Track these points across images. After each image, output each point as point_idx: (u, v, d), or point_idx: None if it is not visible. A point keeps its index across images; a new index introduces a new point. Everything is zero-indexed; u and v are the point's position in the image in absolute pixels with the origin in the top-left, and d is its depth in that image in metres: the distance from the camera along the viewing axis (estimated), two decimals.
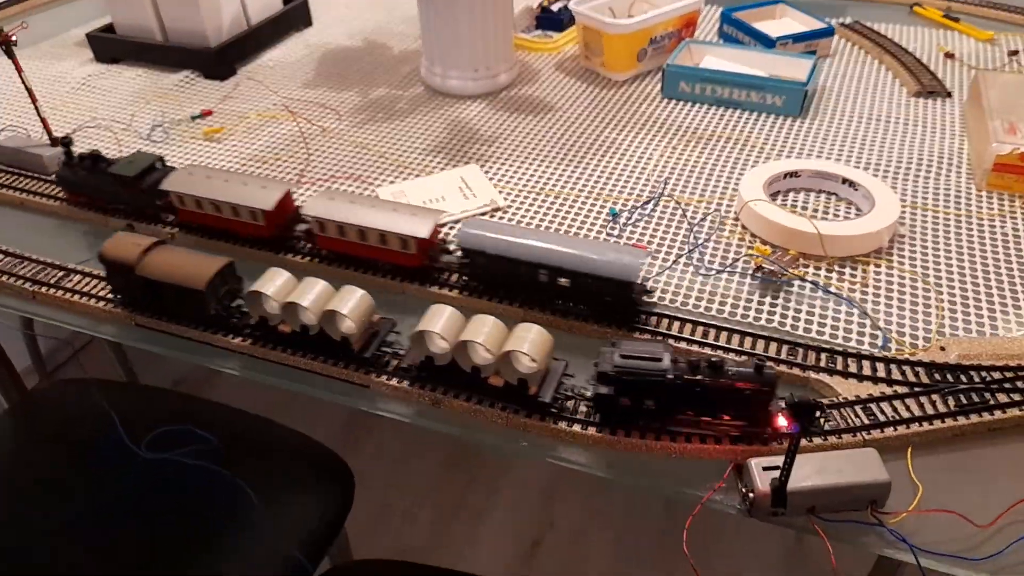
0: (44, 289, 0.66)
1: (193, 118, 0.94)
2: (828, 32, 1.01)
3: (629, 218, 0.73)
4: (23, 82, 0.79)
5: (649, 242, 0.70)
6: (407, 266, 0.65)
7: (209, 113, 0.94)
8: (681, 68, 0.93)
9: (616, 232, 0.72)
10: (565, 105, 0.94)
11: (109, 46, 1.07)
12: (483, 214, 0.75)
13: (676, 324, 0.59)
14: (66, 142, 0.76)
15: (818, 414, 0.49)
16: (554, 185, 0.79)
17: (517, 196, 0.77)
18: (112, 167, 0.73)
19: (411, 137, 0.88)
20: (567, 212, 0.75)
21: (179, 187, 0.70)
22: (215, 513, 0.75)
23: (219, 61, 1.02)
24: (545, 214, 0.75)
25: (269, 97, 0.98)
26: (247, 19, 1.08)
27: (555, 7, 1.12)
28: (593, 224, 0.73)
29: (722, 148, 0.84)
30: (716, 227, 0.71)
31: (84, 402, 0.90)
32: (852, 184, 0.73)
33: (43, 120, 0.82)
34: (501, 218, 0.75)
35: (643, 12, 1.04)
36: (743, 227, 0.71)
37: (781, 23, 1.08)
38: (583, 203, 0.76)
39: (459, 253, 0.64)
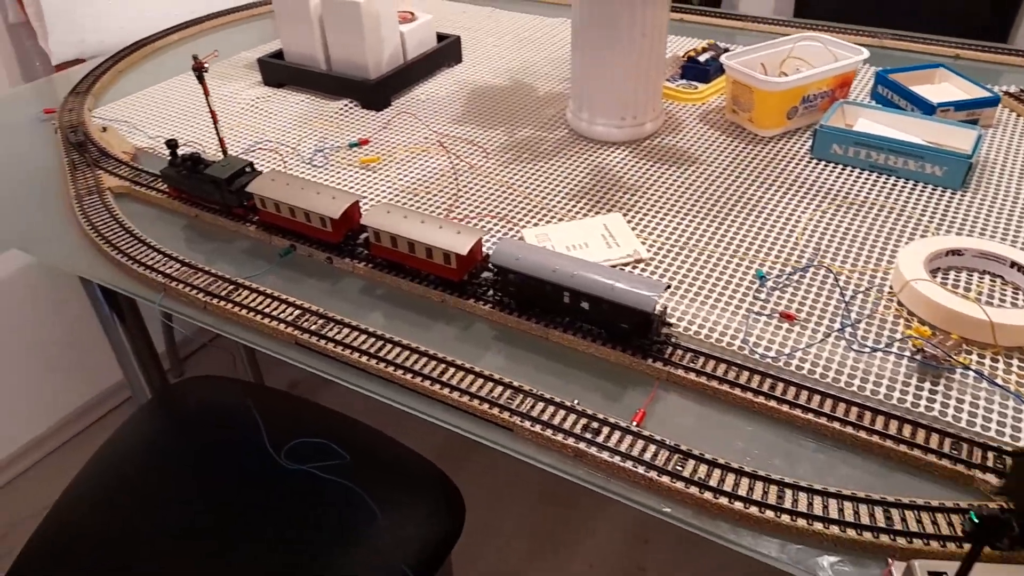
0: (216, 301, 0.72)
1: (351, 146, 0.99)
2: (993, 101, 0.97)
3: (778, 283, 0.72)
4: (208, 105, 0.86)
5: (798, 310, 0.69)
6: (449, 279, 0.70)
7: (366, 142, 1.00)
8: (834, 130, 0.91)
9: (764, 296, 0.71)
10: (709, 158, 0.94)
11: (277, 71, 1.16)
12: (625, 265, 0.76)
13: (828, 401, 0.58)
14: (172, 144, 0.84)
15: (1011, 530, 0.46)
16: (697, 240, 0.79)
17: (660, 248, 0.78)
18: (208, 169, 0.81)
19: (555, 180, 0.90)
20: (711, 270, 0.75)
21: (261, 191, 0.77)
22: (335, 523, 0.78)
23: (377, 92, 1.07)
24: (689, 270, 0.75)
25: (420, 131, 1.02)
26: (404, 54, 1.13)
27: (702, 57, 1.12)
28: (739, 285, 0.72)
29: (875, 216, 0.81)
30: (871, 301, 0.69)
31: (224, 401, 0.96)
32: (1021, 268, 0.70)
33: (221, 140, 0.89)
34: (643, 271, 0.75)
35: (794, 68, 1.03)
36: (899, 303, 0.69)
37: (940, 88, 1.04)
38: (728, 262, 0.75)
39: (492, 269, 0.68)
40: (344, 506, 0.79)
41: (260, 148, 0.99)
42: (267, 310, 0.70)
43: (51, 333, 1.59)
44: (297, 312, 0.70)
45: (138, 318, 1.10)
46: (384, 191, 0.89)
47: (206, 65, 0.84)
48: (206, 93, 0.85)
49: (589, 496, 1.40)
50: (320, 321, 0.69)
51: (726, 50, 1.13)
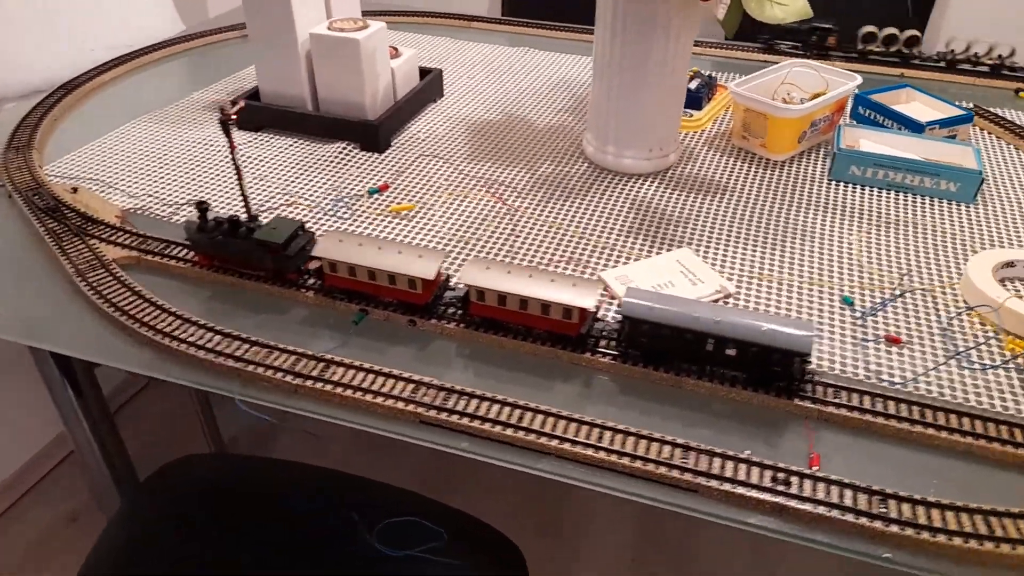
0: (310, 383, 0.64)
1: (371, 193, 0.92)
2: (968, 118, 1.06)
3: (865, 306, 0.74)
4: (234, 160, 0.77)
5: (898, 332, 0.71)
6: (566, 334, 0.67)
7: (385, 188, 0.93)
8: (853, 152, 0.95)
9: (861, 322, 0.73)
10: (736, 185, 0.96)
11: (256, 114, 1.06)
12: (715, 300, 0.75)
13: (979, 423, 0.60)
14: (202, 207, 0.75)
15: None
16: (766, 269, 0.80)
17: (739, 281, 0.78)
18: (258, 233, 0.73)
19: (600, 217, 0.88)
20: (794, 299, 0.76)
21: (330, 254, 0.70)
22: None
23: (378, 134, 1.01)
24: (774, 301, 0.75)
25: (439, 172, 0.97)
26: (395, 92, 1.08)
27: (692, 84, 1.14)
28: (824, 311, 0.74)
29: (914, 234, 0.86)
30: (958, 317, 0.73)
31: (233, 485, 0.86)
32: None
33: (245, 197, 0.80)
34: (735, 304, 0.75)
35: (785, 93, 1.07)
36: (980, 316, 0.73)
37: (911, 107, 1.12)
38: (806, 289, 0.77)
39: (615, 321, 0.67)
40: None
41: (275, 203, 0.90)
42: (375, 387, 0.63)
43: None
44: (410, 386, 0.63)
45: (96, 388, 0.95)
46: (428, 242, 0.84)
47: (233, 116, 0.75)
48: (232, 147, 0.76)
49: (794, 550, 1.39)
50: (442, 394, 0.63)
51: (710, 76, 1.16)
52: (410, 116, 1.10)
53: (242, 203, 0.81)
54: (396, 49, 1.10)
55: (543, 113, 1.14)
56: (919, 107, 1.12)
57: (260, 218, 0.77)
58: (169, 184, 0.93)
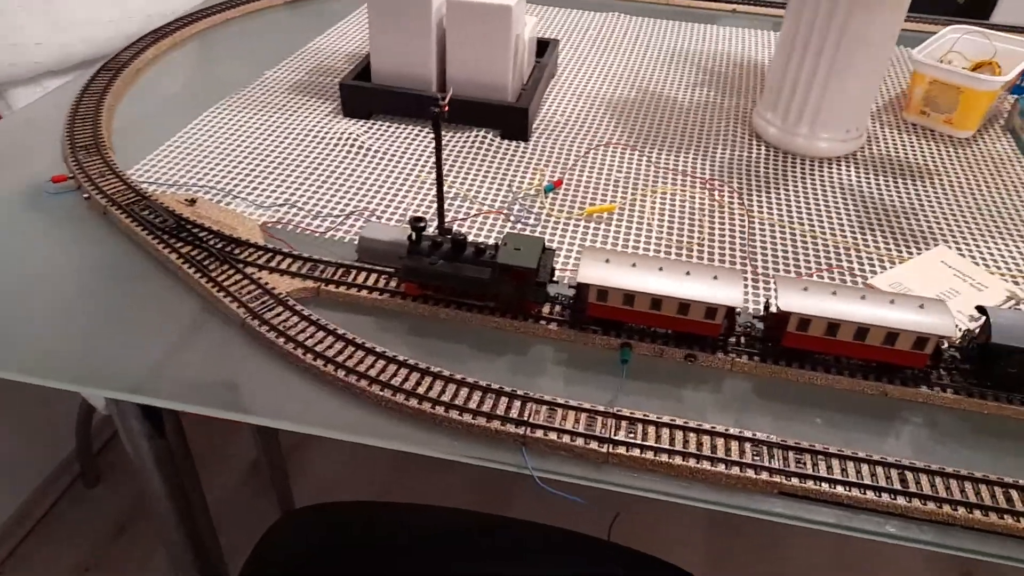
0: (622, 450, 0.50)
1: (547, 191, 0.78)
2: None
3: None
4: (438, 163, 0.61)
5: None
6: (909, 366, 0.56)
7: (559, 184, 0.79)
8: None
9: None
10: (939, 167, 0.86)
11: (369, 97, 0.89)
12: (1009, 307, 0.66)
13: None
14: (420, 225, 0.60)
15: None
16: None
17: (1016, 281, 0.69)
18: (500, 255, 0.58)
19: (817, 211, 0.77)
20: None
21: (603, 279, 0.56)
22: None
23: (526, 119, 0.86)
24: None
25: (609, 162, 0.83)
26: (522, 71, 0.92)
27: None
28: None
29: None
30: None
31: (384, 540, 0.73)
32: None
33: (440, 206, 0.65)
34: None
35: (948, 63, 0.98)
36: None
37: None
38: None
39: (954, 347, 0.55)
40: None
41: (422, 204, 0.74)
42: (706, 450, 0.50)
43: None
44: (749, 445, 0.51)
45: (185, 448, 0.78)
46: (642, 248, 0.71)
47: (446, 108, 0.59)
48: (438, 146, 0.61)
49: None
50: (791, 454, 0.51)
51: None
52: (535, 99, 0.95)
53: (435, 215, 0.66)
54: None
55: (681, 89, 1.01)
56: None
57: (456, 231, 0.61)
58: (296, 187, 0.76)
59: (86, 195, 0.72)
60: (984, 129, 0.94)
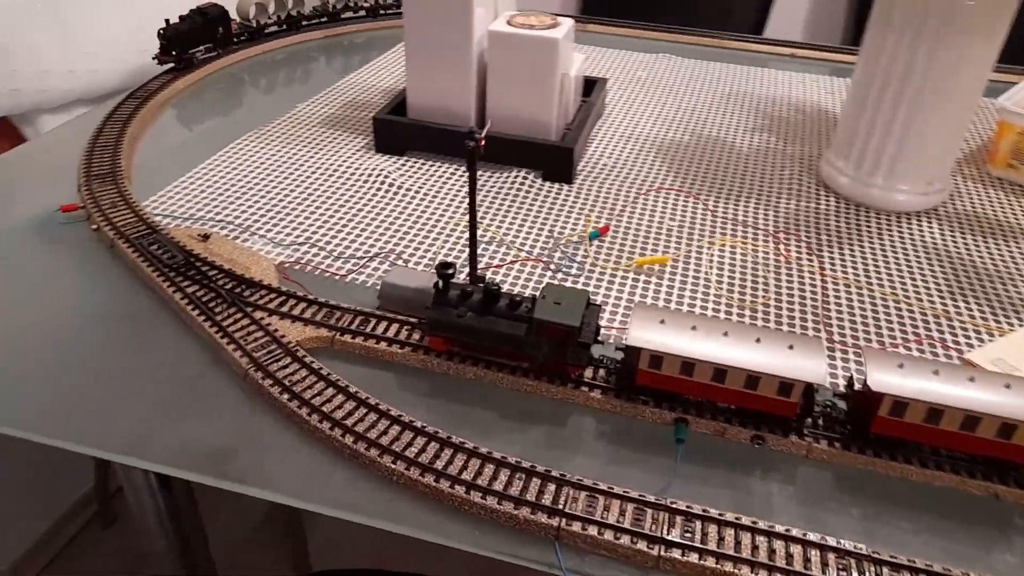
0: (679, 554, 0.42)
1: (592, 238, 0.71)
2: None
3: None
4: (471, 203, 0.55)
5: None
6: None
7: (606, 231, 0.72)
8: None
9: None
10: None
11: (399, 133, 0.83)
12: None
13: None
14: (448, 272, 0.52)
15: None
16: None
17: None
18: (539, 310, 0.50)
19: (896, 271, 0.68)
20: None
21: (658, 343, 0.48)
22: None
23: (571, 159, 0.79)
24: None
25: (662, 208, 0.76)
26: (568, 110, 0.86)
27: None
28: None
29: None
30: None
31: None
32: None
33: (473, 251, 0.57)
34: None
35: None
36: None
37: None
38: None
39: None
40: None
41: (454, 248, 0.67)
42: (794, 566, 0.41)
43: None
44: (829, 556, 0.42)
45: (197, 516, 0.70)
46: (697, 308, 0.62)
47: (483, 143, 0.53)
48: (472, 183, 0.54)
49: None
50: (885, 571, 0.41)
51: None
52: (587, 136, 0.89)
53: (466, 261, 0.59)
54: None
55: (738, 134, 0.94)
56: None
57: (489, 280, 0.54)
58: (319, 225, 0.70)
59: (94, 226, 0.67)
60: None
